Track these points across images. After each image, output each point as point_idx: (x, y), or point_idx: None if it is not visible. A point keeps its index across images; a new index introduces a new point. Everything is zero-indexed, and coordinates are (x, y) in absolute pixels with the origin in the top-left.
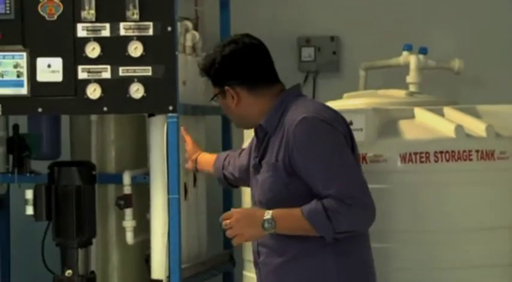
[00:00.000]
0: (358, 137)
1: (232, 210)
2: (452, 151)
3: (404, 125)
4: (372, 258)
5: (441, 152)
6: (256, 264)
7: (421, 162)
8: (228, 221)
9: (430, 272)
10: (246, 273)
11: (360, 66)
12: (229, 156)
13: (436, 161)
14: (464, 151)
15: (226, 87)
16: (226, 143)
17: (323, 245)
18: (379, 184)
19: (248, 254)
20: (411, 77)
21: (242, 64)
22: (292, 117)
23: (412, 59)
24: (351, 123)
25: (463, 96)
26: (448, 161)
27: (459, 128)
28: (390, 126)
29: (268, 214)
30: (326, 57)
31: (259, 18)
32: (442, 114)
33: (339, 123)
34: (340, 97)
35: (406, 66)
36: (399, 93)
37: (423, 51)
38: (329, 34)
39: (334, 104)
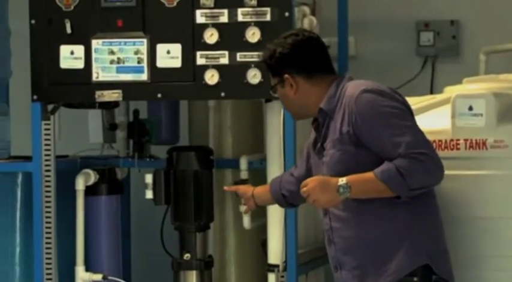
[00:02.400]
0: (478, 122)
1: (309, 178)
2: None
3: None
4: (440, 214)
5: None
6: (330, 241)
7: None
8: (305, 189)
9: None
10: None
11: (481, 51)
12: (283, 176)
13: None
14: None
15: (286, 76)
16: None
17: (396, 211)
18: (499, 170)
19: None
20: None
21: (301, 54)
22: (351, 93)
23: None
24: (471, 108)
25: None
26: None
27: None
28: None
29: (342, 180)
30: (445, 41)
31: (377, 3)
32: None
33: (398, 95)
34: (459, 82)
35: None
36: None
37: None
38: (449, 18)
39: (454, 89)
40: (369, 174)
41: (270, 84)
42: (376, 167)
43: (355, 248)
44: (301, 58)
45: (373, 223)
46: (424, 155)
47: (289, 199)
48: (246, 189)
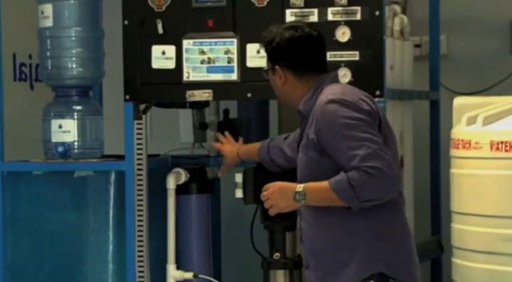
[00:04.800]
0: None
1: (270, 183)
2: None
3: None
4: (405, 222)
5: None
6: (301, 239)
7: None
8: (265, 193)
9: None
10: (454, 260)
11: None
12: (272, 147)
13: None
14: None
15: (277, 67)
16: (434, 128)
17: (353, 218)
18: None
19: (457, 241)
20: None
21: (295, 51)
22: (320, 101)
23: None
24: None
25: None
26: None
27: None
28: None
29: (300, 187)
30: None
31: (470, 1)
32: None
33: (366, 102)
34: None
35: None
36: None
37: None
38: None
39: None
40: (325, 184)
41: (361, 84)
42: (337, 174)
43: (317, 250)
44: (294, 55)
45: (331, 228)
46: (376, 169)
47: (283, 167)
48: (231, 150)
